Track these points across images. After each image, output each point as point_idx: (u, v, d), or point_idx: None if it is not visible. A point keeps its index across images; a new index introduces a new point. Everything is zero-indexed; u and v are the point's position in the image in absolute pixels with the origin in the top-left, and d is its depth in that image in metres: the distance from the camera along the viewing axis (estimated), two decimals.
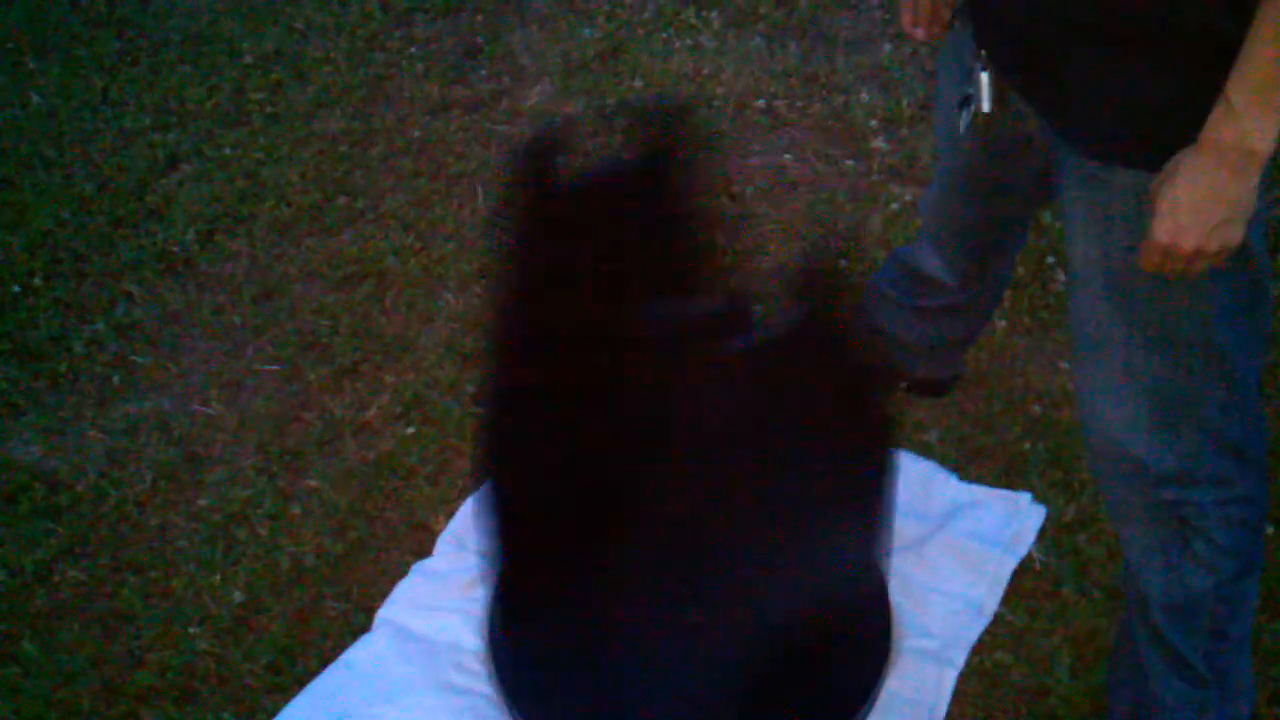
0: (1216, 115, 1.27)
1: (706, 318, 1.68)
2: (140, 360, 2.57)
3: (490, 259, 2.70)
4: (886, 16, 3.34)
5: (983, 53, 1.58)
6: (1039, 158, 1.66)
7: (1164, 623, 1.63)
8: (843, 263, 1.51)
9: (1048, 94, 1.48)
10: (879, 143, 2.96)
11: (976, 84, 1.61)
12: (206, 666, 2.01)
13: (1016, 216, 2.06)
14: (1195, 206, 1.30)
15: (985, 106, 1.62)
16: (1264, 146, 1.26)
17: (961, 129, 1.71)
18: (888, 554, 1.91)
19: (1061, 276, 2.54)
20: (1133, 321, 1.46)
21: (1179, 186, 1.31)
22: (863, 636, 1.99)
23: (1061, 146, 1.49)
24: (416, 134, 3.12)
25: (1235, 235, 1.32)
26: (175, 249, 2.83)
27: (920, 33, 1.77)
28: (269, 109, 3.25)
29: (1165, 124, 1.33)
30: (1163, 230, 1.32)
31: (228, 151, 3.11)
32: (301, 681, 1.98)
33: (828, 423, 1.63)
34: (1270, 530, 1.97)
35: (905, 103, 3.06)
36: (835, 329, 1.58)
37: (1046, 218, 2.56)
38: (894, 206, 2.76)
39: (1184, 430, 1.50)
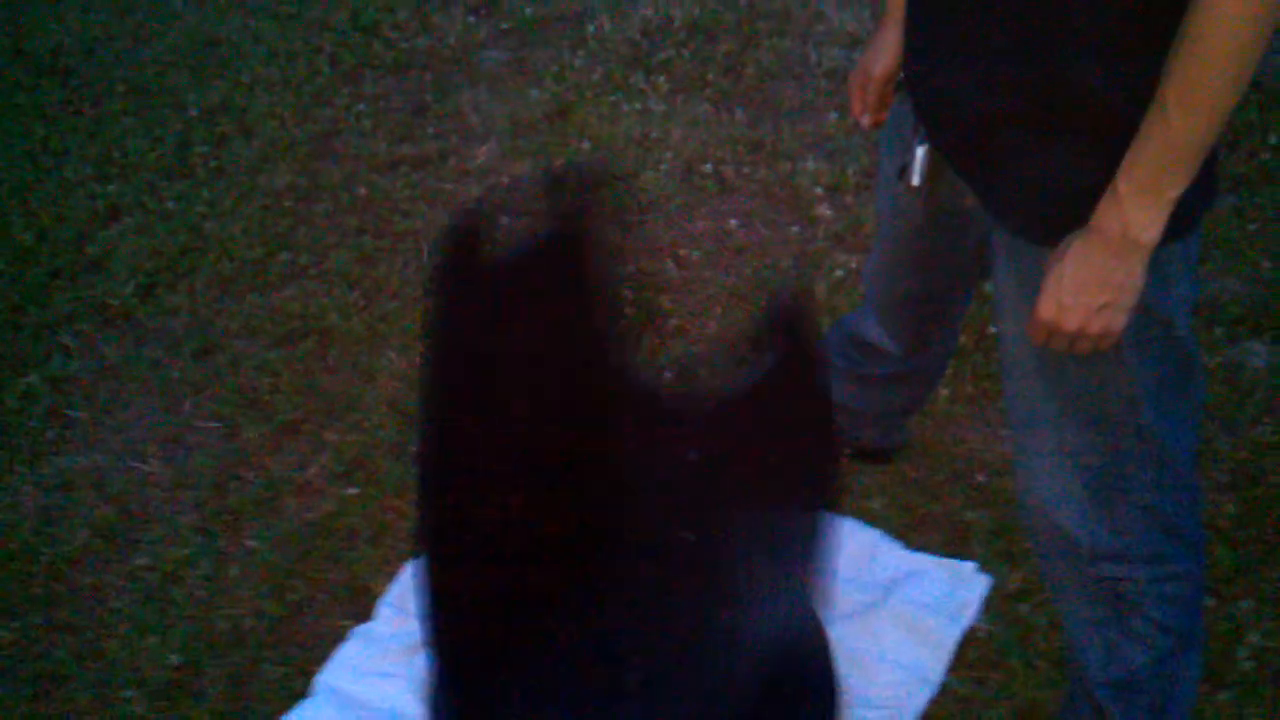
0: (1104, 202, 1.30)
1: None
2: (76, 415, 2.53)
3: (420, 337, 2.69)
4: (830, 87, 3.39)
5: (921, 127, 1.61)
6: (977, 230, 1.68)
7: (1105, 698, 1.64)
8: (809, 307, 1.51)
9: (978, 170, 1.50)
10: (824, 210, 2.99)
11: (912, 157, 1.64)
12: None
13: (958, 287, 2.08)
14: (1078, 287, 1.32)
15: (915, 180, 1.64)
16: (1146, 237, 1.29)
17: (901, 199, 1.73)
18: (827, 619, 1.91)
19: None
20: (1064, 399, 1.48)
21: (1065, 266, 1.33)
22: (807, 707, 1.98)
23: (991, 222, 1.51)
24: (362, 191, 3.11)
25: (1116, 321, 1.34)
26: (114, 302, 2.79)
27: (867, 120, 1.81)
28: (213, 162, 3.23)
29: (1079, 206, 1.35)
30: (1046, 307, 1.35)
31: (170, 204, 3.08)
32: None
33: (786, 472, 1.64)
34: (1210, 603, 1.99)
35: (850, 171, 3.10)
36: (810, 370, 1.58)
37: (988, 287, 2.59)
38: (838, 274, 2.79)
39: (1118, 507, 1.52)
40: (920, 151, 1.62)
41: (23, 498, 2.35)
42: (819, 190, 3.05)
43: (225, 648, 2.08)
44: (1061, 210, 1.37)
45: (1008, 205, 1.44)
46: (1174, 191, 1.27)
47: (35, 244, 2.96)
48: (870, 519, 2.26)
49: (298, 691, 2.02)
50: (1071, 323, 1.34)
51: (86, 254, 2.93)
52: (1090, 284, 1.32)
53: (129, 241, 2.97)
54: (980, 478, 2.33)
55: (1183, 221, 1.31)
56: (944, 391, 2.45)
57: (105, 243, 2.97)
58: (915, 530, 2.25)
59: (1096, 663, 1.63)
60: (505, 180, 3.13)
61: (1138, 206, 1.28)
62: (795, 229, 2.93)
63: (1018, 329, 1.49)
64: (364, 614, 2.14)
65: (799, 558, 1.72)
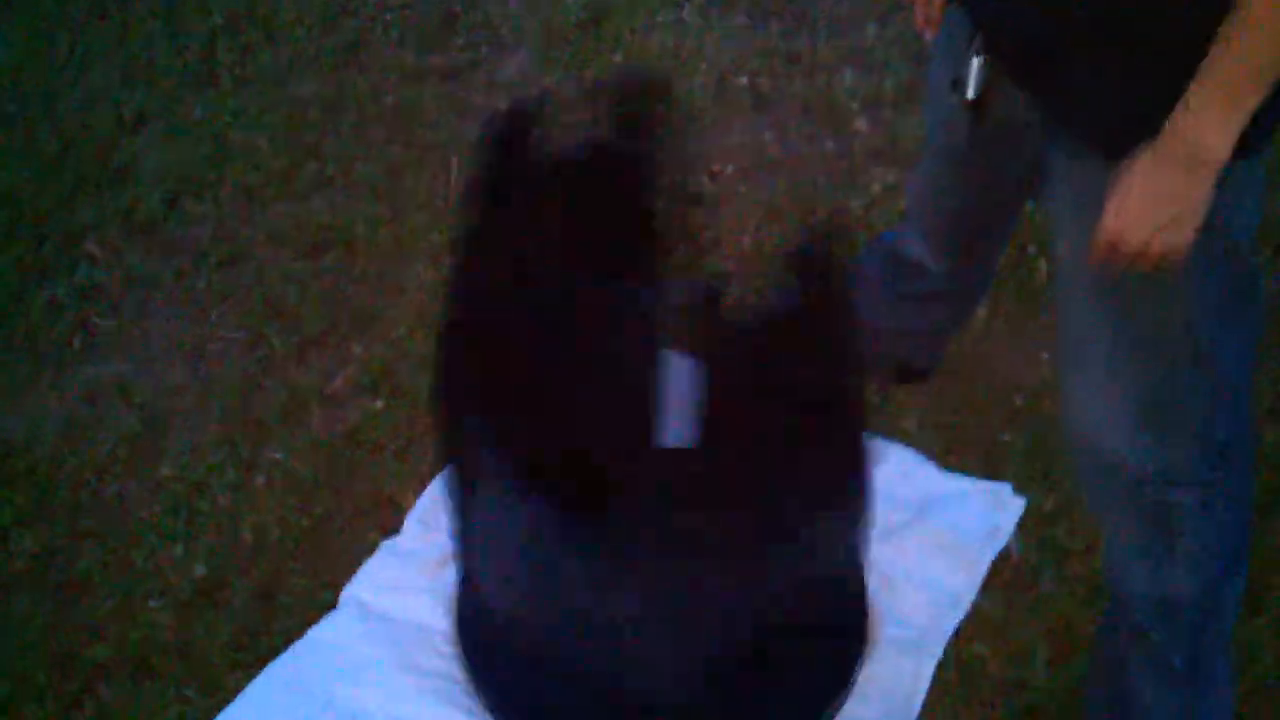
0: (1175, 115, 1.24)
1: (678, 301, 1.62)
2: (101, 324, 2.51)
3: (450, 244, 2.64)
4: None
5: (977, 37, 1.55)
6: (1031, 147, 1.64)
7: (1146, 622, 1.60)
8: (836, 247, 1.46)
9: (1040, 83, 1.44)
10: (861, 124, 2.92)
11: (968, 68, 1.58)
12: (166, 641, 1.96)
13: (1007, 204, 2.03)
14: (1143, 203, 1.28)
15: (970, 94, 1.58)
16: (1217, 151, 1.23)
17: (952, 113, 1.67)
18: (866, 543, 1.88)
19: (1044, 266, 2.51)
20: (1119, 321, 1.43)
21: (1132, 182, 1.28)
22: (839, 624, 1.95)
23: (1050, 137, 1.45)
24: (390, 101, 3.05)
25: (1181, 239, 1.29)
26: (139, 212, 2.76)
27: (929, 33, 1.74)
28: (238, 71, 3.17)
29: (1147, 120, 1.29)
30: (1110, 224, 1.30)
31: (196, 113, 3.03)
32: (264, 659, 1.90)
33: (807, 411, 1.59)
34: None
35: (888, 84, 3.02)
36: (827, 314, 1.53)
37: (1028, 205, 2.53)
38: (876, 189, 2.73)
39: (1169, 431, 1.47)
40: (976, 63, 1.55)
41: (49, 407, 2.33)
42: (856, 104, 2.98)
43: (251, 559, 2.07)
44: (1129, 124, 1.31)
45: (1071, 119, 1.39)
46: (1250, 105, 1.21)
47: (61, 153, 2.93)
48: (904, 439, 2.21)
49: (324, 604, 1.99)
50: (1135, 241, 1.29)
51: (112, 163, 2.89)
52: (1157, 200, 1.27)
53: (154, 151, 2.92)
54: (1017, 399, 2.29)
55: (1254, 137, 1.25)
56: (981, 311, 2.40)
57: (131, 152, 2.93)
58: (950, 451, 2.21)
59: (1139, 586, 1.59)
60: (536, 91, 3.07)
61: (1211, 120, 1.22)
62: (831, 144, 2.87)
63: (1074, 249, 1.44)
64: (391, 527, 2.11)
65: (836, 487, 1.69)
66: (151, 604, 2.00)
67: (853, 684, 1.89)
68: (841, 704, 1.87)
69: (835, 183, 2.77)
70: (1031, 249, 2.52)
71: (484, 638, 1.96)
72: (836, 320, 1.58)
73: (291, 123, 2.99)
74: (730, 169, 2.84)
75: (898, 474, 2.17)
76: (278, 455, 2.22)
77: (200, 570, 2.04)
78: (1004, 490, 2.14)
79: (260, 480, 2.18)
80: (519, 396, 1.67)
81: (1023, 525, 2.08)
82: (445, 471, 2.18)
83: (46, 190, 2.82)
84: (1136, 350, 1.43)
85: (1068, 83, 1.37)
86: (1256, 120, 1.23)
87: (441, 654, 1.94)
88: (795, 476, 1.66)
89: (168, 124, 3.01)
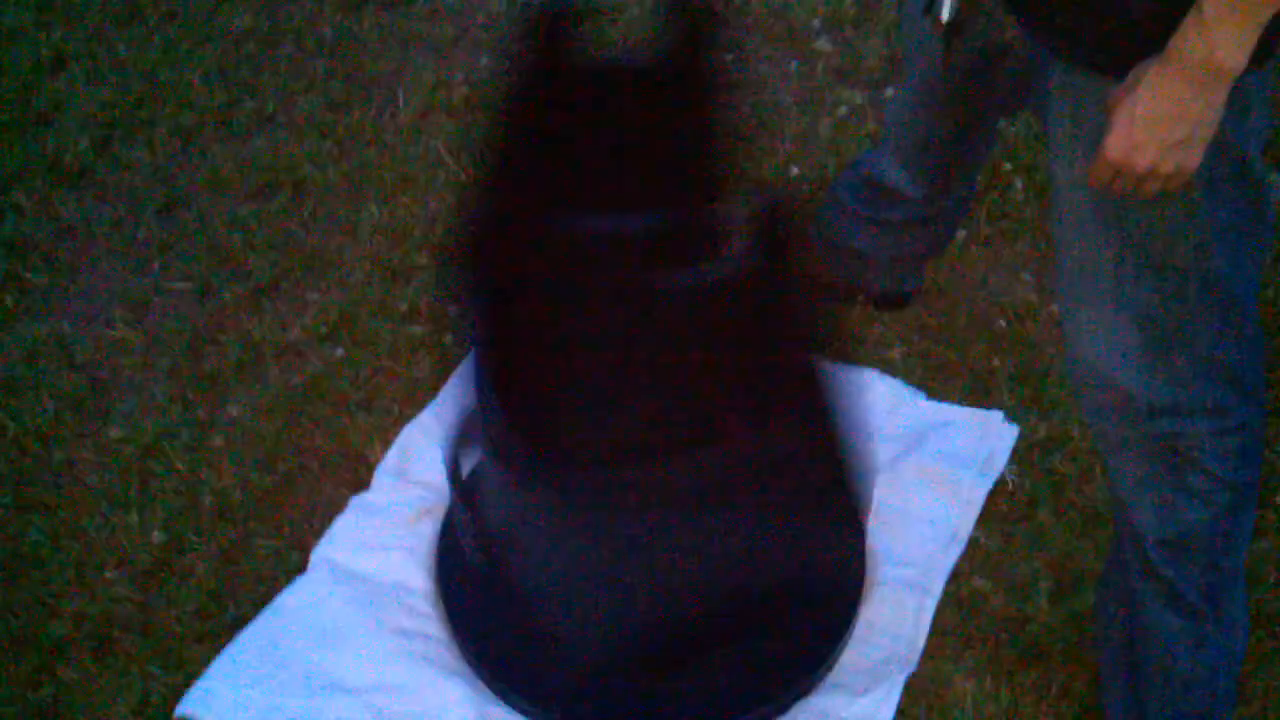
0: (1186, 25, 1.15)
1: (649, 235, 1.53)
2: (35, 279, 2.36)
3: (420, 172, 2.52)
4: None
5: None
6: (1012, 67, 1.55)
7: (1157, 557, 1.55)
8: (801, 202, 1.37)
9: None
10: (823, 44, 2.81)
11: None
12: (127, 614, 1.85)
13: (985, 127, 1.96)
14: (1152, 122, 1.19)
15: (946, 14, 1.50)
16: (1232, 63, 1.15)
17: (927, 36, 1.59)
18: (862, 482, 1.81)
19: (1020, 184, 2.43)
20: (1123, 246, 1.35)
21: (1138, 99, 1.20)
22: (836, 565, 1.88)
23: (1044, 55, 1.36)
24: (328, 33, 2.89)
25: (1193, 158, 1.21)
26: (67, 157, 2.59)
27: None
28: (164, 6, 2.99)
29: (1153, 30, 1.21)
30: (1115, 145, 1.22)
31: (121, 51, 2.86)
32: (232, 628, 1.83)
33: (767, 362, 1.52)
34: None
35: (847, 2, 2.91)
36: (787, 270, 1.45)
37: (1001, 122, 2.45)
38: (842, 110, 2.63)
39: (1177, 359, 1.40)
40: None
41: None
42: (816, 22, 2.87)
43: (212, 522, 1.96)
44: (1132, 35, 1.22)
45: (1068, 33, 1.30)
46: (1268, 11, 1.13)
47: None
48: (889, 369, 2.15)
49: (294, 566, 1.91)
50: (1142, 161, 1.21)
51: (33, 107, 2.72)
52: (1166, 117, 1.19)
53: (79, 92, 2.75)
54: (1001, 322, 2.22)
55: (1266, 46, 1.17)
56: (960, 233, 2.32)
57: (53, 95, 2.75)
58: (936, 379, 2.14)
59: (1149, 521, 1.53)
60: (480, 20, 2.93)
61: (1226, 28, 1.13)
62: (794, 64, 2.76)
63: (1073, 172, 1.36)
64: (360, 483, 2.02)
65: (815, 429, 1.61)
66: (108, 575, 1.89)
67: (853, 628, 1.84)
68: (842, 649, 1.81)
69: (800, 105, 2.67)
70: (1007, 166, 2.44)
71: (469, 592, 1.87)
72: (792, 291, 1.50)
73: (225, 58, 2.83)
74: None
75: (885, 406, 2.11)
76: (234, 411, 2.11)
77: (159, 537, 1.92)
78: (995, 418, 2.09)
79: (218, 439, 2.06)
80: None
81: (1016, 453, 2.04)
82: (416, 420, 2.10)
83: None
84: (1143, 276, 1.36)
85: None
86: (1270, 28, 1.15)
87: (421, 613, 1.85)
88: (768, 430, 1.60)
89: (91, 63, 2.83)
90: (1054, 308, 2.24)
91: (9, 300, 2.31)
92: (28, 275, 2.36)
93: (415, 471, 2.00)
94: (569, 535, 1.67)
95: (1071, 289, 1.46)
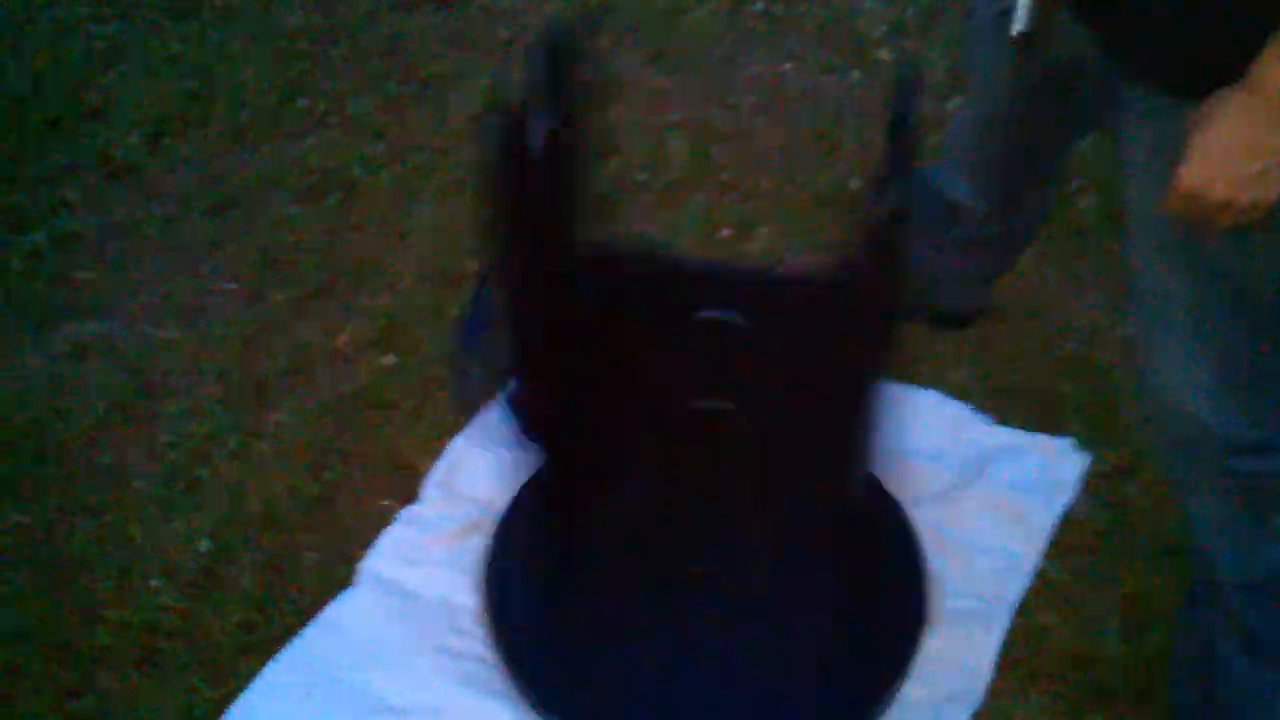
0: (1266, 54, 1.10)
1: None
2: (84, 277, 2.33)
3: (471, 175, 2.47)
4: None
5: None
6: (1089, 86, 1.50)
7: (1236, 601, 1.49)
8: (906, 211, 1.31)
9: (1106, 14, 1.29)
10: (884, 53, 2.75)
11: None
12: (171, 624, 1.80)
13: (1058, 147, 1.89)
14: (1227, 153, 1.14)
15: (1019, 26, 1.44)
16: None
17: (1000, 47, 1.53)
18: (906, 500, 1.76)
19: (1092, 201, 2.37)
20: (1201, 277, 1.30)
21: (1213, 128, 1.15)
22: (899, 598, 1.82)
23: (1119, 76, 1.30)
24: (383, 31, 2.87)
25: (1270, 191, 1.16)
26: (118, 153, 2.57)
27: None
28: (220, 1, 2.97)
29: (1234, 57, 1.15)
30: (1189, 175, 1.17)
31: (175, 47, 2.84)
32: (277, 641, 1.78)
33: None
34: None
35: (910, 11, 2.86)
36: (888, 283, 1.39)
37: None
38: None
39: (1258, 395, 1.35)
40: None
41: (31, 368, 2.16)
42: (877, 33, 2.81)
43: (259, 531, 1.91)
44: (1212, 61, 1.16)
45: (1145, 55, 1.24)
46: None
47: (31, 91, 2.72)
48: (952, 392, 2.08)
49: (340, 579, 1.86)
50: (1218, 193, 1.16)
51: (86, 101, 2.70)
52: (1242, 149, 1.14)
53: (132, 87, 2.73)
54: (1071, 345, 2.15)
55: None
56: (1029, 250, 2.25)
57: (106, 89, 2.73)
58: (1002, 403, 2.08)
59: (1229, 564, 1.47)
60: (536, 21, 2.88)
61: None
62: (856, 74, 2.70)
63: (1148, 198, 1.30)
64: (408, 493, 1.97)
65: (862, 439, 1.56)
66: (153, 583, 1.84)
67: (915, 662, 1.77)
68: (903, 684, 1.75)
69: (860, 117, 2.61)
70: (1078, 181, 2.37)
71: (516, 611, 1.83)
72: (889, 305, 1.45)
73: (279, 56, 2.80)
74: (747, 101, 2.68)
75: (948, 431, 2.04)
76: (283, 418, 2.06)
77: (205, 545, 1.88)
78: (1064, 444, 2.02)
79: (265, 446, 2.02)
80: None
81: (1086, 482, 1.97)
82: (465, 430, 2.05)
83: (17, 130, 2.63)
84: (1221, 308, 1.30)
85: (1137, 13, 1.23)
86: None
87: (467, 633, 1.80)
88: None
89: (145, 58, 2.81)
90: (1125, 330, 2.17)
91: (58, 298, 2.28)
92: (77, 273, 2.33)
93: (463, 485, 1.95)
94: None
95: (1146, 318, 1.40)
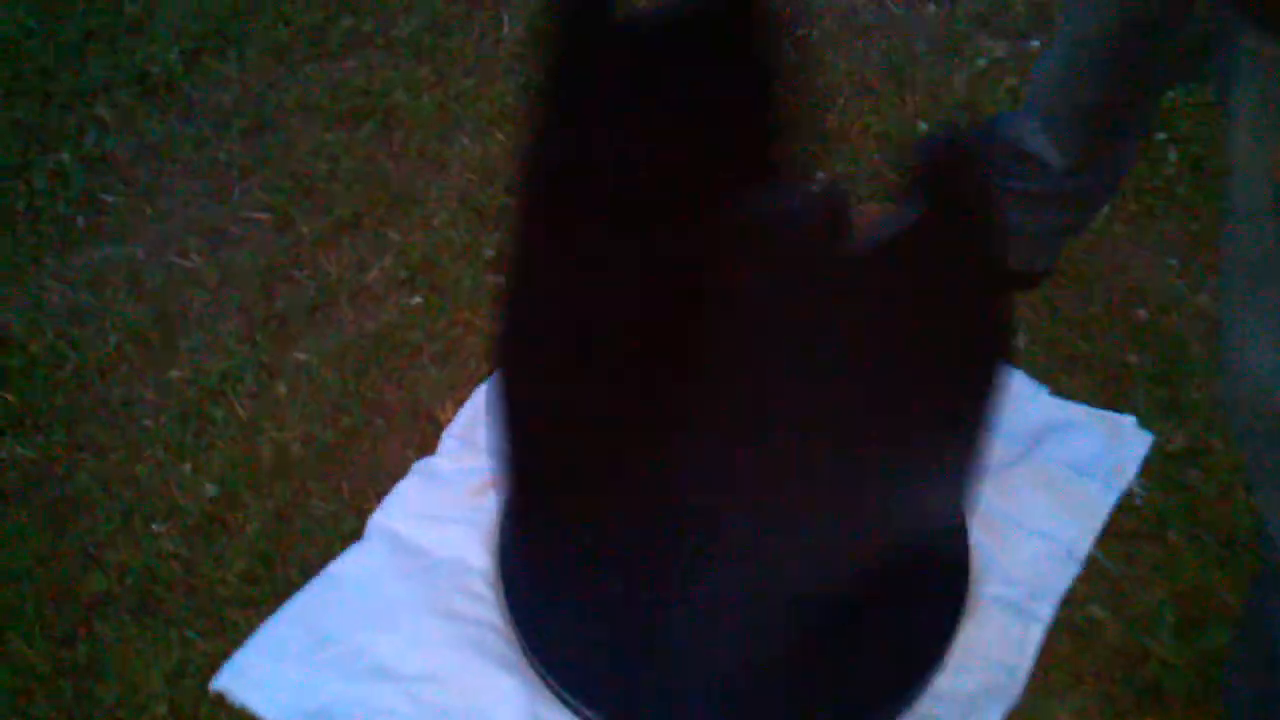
0: None
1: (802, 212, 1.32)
2: (110, 199, 2.25)
3: (519, 105, 2.36)
4: None
5: None
6: (1195, 29, 1.34)
7: None
8: (977, 151, 1.18)
9: None
10: None
11: None
12: (171, 571, 1.74)
13: (1147, 99, 1.74)
14: None
15: None
16: None
17: None
18: (977, 483, 1.63)
19: (1173, 157, 2.20)
20: None
21: None
22: (935, 579, 1.71)
23: (1232, 18, 1.15)
24: None
25: None
26: (155, 70, 2.48)
27: None
28: None
29: None
30: None
31: None
32: (280, 595, 1.71)
33: (936, 339, 1.32)
34: None
35: None
36: (962, 231, 1.25)
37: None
38: (981, 62, 2.40)
39: None
40: None
41: (49, 293, 2.09)
42: None
43: (269, 477, 1.84)
44: None
45: None
46: None
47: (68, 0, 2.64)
48: (1010, 358, 1.94)
49: (349, 532, 1.78)
50: None
51: (126, 13, 2.61)
52: None
53: (174, 1, 2.63)
54: (1142, 313, 2.00)
55: None
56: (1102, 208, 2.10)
57: (147, 1, 2.63)
58: (1063, 373, 1.93)
59: None
60: None
61: None
62: (931, 7, 2.53)
63: (1257, 158, 1.16)
64: (426, 444, 1.88)
65: (960, 420, 1.44)
66: (155, 527, 1.78)
67: (949, 652, 1.66)
68: (936, 675, 1.64)
69: (934, 53, 2.45)
70: (1161, 135, 2.20)
71: (530, 575, 1.74)
72: (975, 240, 1.31)
73: None
74: (816, 34, 2.52)
75: (1006, 401, 1.91)
76: (303, 357, 1.98)
77: (211, 490, 1.81)
78: (1126, 422, 1.87)
79: (282, 387, 1.94)
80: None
81: (1147, 464, 1.83)
82: (489, 382, 1.95)
83: (53, 41, 2.54)
84: None
85: None
86: None
87: (479, 597, 1.71)
88: (919, 410, 1.41)
89: None
90: (1203, 299, 2.01)
91: (81, 221, 2.21)
92: (103, 196, 2.25)
93: (485, 438, 1.85)
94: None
95: (1238, 290, 1.26)
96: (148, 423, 1.90)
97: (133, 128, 2.37)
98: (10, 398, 1.93)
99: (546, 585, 1.70)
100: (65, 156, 2.30)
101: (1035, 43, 2.43)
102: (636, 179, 1.28)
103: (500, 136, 2.31)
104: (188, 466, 1.84)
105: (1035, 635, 1.66)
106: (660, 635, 1.60)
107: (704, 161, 1.27)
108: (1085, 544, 1.75)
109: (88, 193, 2.26)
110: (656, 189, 1.27)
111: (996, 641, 1.66)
